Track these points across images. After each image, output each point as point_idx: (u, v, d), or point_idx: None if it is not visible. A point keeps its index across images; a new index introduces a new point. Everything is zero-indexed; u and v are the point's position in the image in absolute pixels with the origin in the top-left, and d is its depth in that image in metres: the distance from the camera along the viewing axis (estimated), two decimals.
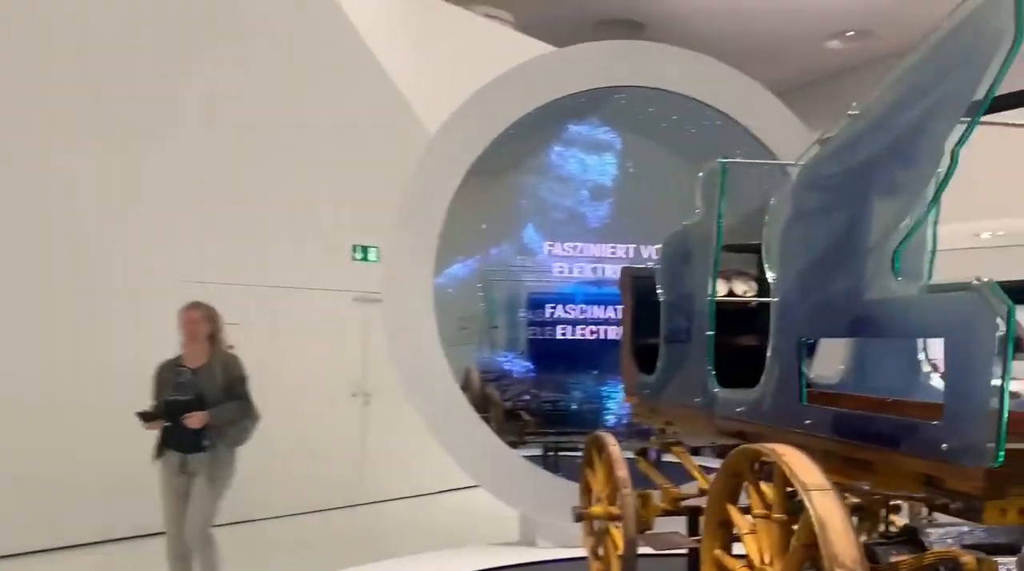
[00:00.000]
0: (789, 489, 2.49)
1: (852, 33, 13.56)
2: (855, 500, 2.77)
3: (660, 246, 4.23)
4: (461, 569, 5.63)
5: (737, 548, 2.90)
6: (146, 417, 4.75)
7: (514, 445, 6.18)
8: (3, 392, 6.10)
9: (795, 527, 2.58)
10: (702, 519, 3.84)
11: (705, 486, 3.96)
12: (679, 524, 4.22)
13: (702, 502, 4.27)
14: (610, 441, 4.25)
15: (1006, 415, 2.03)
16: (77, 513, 6.37)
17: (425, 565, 5.90)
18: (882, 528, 2.96)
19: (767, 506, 2.70)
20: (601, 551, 4.40)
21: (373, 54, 8.02)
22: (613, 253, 6.31)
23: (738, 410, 3.35)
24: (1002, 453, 2.04)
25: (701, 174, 3.82)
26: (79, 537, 6.52)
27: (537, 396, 6.50)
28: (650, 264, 6.21)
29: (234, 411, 4.89)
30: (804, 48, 13.81)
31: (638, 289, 4.58)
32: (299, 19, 7.91)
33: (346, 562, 5.85)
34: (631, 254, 6.32)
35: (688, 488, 4.30)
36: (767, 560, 2.57)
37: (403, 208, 5.89)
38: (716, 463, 4.01)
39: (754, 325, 4.33)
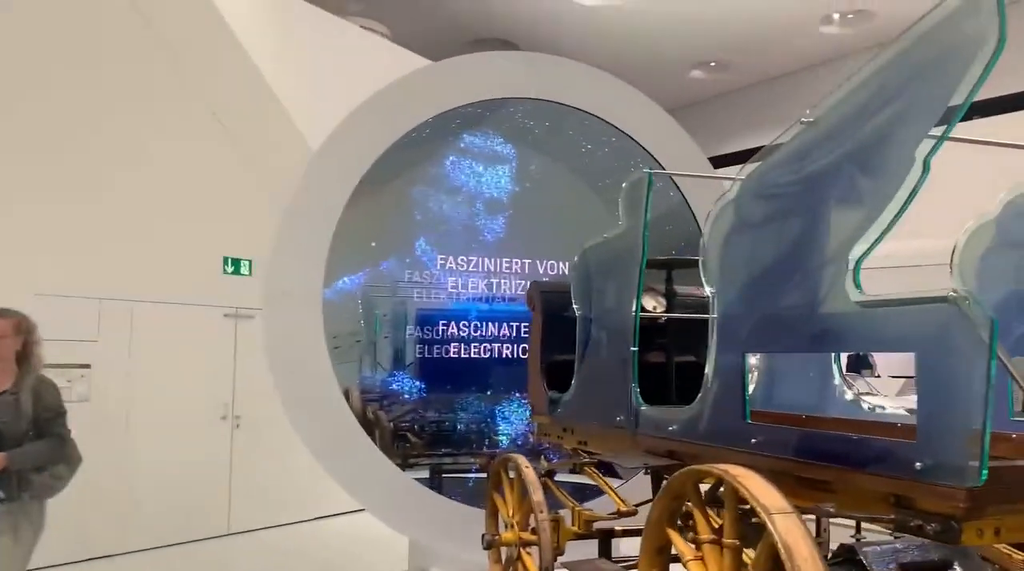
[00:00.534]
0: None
1: (714, 63, 14.14)
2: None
3: (575, 259, 4.08)
4: None
5: None
6: None
7: (402, 468, 5.87)
8: None
9: (747, 553, 2.47)
10: (625, 542, 3.75)
11: (624, 508, 3.82)
12: (592, 548, 4.08)
13: (616, 525, 4.15)
14: (523, 463, 4.04)
15: (989, 433, 1.97)
16: None
17: None
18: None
19: (715, 531, 2.57)
20: None
21: (249, 59, 7.57)
22: (508, 268, 6.13)
23: (670, 429, 3.22)
24: (985, 471, 1.97)
25: (625, 185, 3.70)
26: None
27: (426, 416, 6.21)
28: (555, 277, 6.10)
29: (43, 453, 3.97)
30: (670, 75, 14.27)
31: (549, 304, 4.42)
32: (173, 20, 7.38)
33: None
34: (526, 269, 6.17)
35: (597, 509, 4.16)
36: None
37: (289, 218, 5.50)
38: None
39: (658, 342, 4.27)
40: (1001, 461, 2.09)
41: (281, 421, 5.51)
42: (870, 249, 2.32)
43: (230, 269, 7.48)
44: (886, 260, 2.96)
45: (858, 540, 3.30)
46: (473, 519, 5.07)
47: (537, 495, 3.84)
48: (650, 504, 2.85)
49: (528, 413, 5.26)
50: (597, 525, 4.06)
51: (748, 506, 2.26)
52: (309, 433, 5.53)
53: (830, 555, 2.82)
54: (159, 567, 6.74)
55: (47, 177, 6.58)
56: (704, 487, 2.64)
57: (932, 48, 2.16)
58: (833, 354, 3.70)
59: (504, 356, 6.12)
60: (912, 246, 6.16)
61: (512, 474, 4.17)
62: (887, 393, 7.86)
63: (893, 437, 3.04)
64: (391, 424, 6.32)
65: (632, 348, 3.52)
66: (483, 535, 4.24)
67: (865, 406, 3.67)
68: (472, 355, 6.08)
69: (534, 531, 3.88)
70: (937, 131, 2.13)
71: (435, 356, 6.11)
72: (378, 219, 6.03)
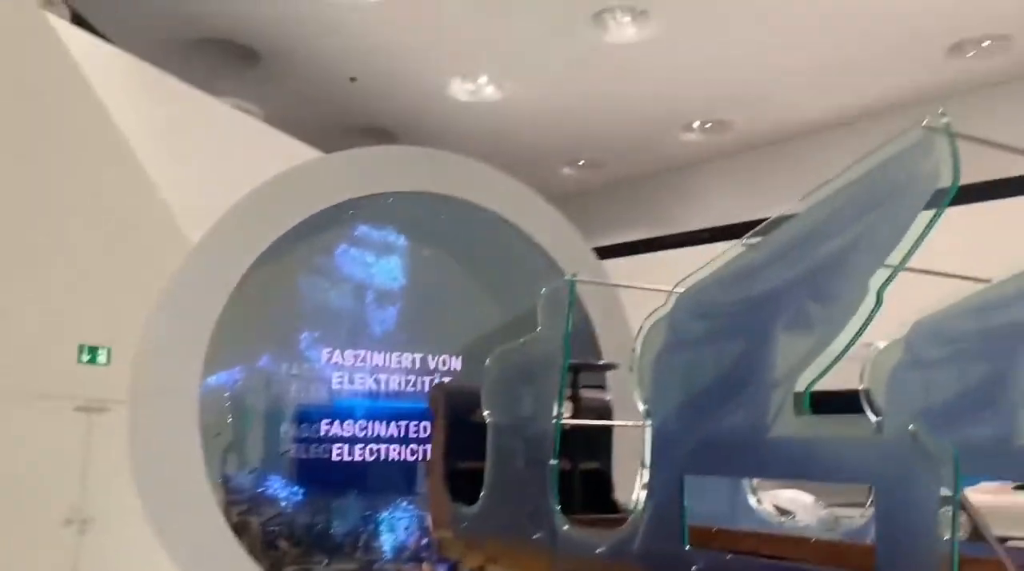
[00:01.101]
0: None
1: (583, 162, 14.69)
2: None
3: (487, 362, 3.95)
4: None
5: None
6: None
7: None
8: None
9: None
10: None
11: None
12: None
13: None
14: None
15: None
16: None
17: None
18: None
19: None
20: None
21: (120, 137, 7.16)
22: (398, 363, 5.92)
23: (598, 551, 3.09)
24: None
25: (545, 290, 3.65)
26: None
27: (302, 521, 5.80)
28: (446, 378, 5.92)
29: None
30: (540, 172, 14.67)
31: (454, 407, 4.24)
32: (40, 92, 6.90)
33: None
34: (417, 364, 5.98)
35: None
36: None
37: (165, 311, 5.11)
38: None
39: (562, 449, 4.17)
40: None
41: (138, 525, 4.99)
42: (820, 376, 2.34)
43: (86, 358, 6.83)
44: None
45: None
46: None
47: None
48: None
49: (419, 523, 5.00)
50: None
51: None
52: (173, 538, 5.04)
53: None
54: None
55: None
56: None
57: (887, 181, 2.23)
58: None
59: (390, 458, 5.85)
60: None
61: None
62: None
63: (812, 555, 3.05)
64: (262, 529, 5.87)
65: (552, 460, 3.40)
66: None
67: (775, 520, 3.68)
68: (356, 456, 5.77)
69: None
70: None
71: (314, 456, 5.76)
72: (261, 310, 5.72)
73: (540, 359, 3.56)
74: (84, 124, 7.06)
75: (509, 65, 11.15)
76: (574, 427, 4.22)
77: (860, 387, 3.18)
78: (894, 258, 2.23)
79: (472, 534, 3.96)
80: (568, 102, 12.03)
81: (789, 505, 7.44)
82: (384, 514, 5.87)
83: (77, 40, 7.16)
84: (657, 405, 2.86)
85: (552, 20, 9.71)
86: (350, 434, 5.76)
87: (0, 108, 6.68)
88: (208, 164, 6.64)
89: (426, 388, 5.82)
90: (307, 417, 5.74)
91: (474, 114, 12.49)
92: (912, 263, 2.21)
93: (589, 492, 4.18)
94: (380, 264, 6.15)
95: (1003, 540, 2.85)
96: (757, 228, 2.63)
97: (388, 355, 5.91)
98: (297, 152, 7.83)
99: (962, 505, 2.27)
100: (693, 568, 2.64)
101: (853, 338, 2.26)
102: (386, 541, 5.87)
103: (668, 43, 10.03)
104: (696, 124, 12.83)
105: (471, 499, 3.96)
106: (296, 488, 5.76)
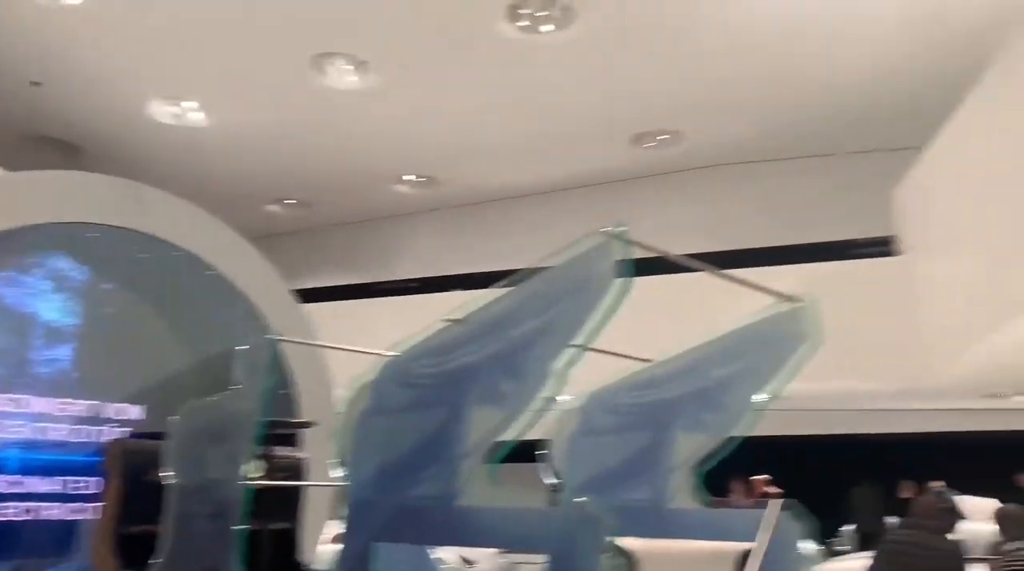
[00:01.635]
0: None
1: (294, 201, 14.41)
2: None
3: (177, 417, 3.71)
4: None
5: None
6: None
7: None
8: None
9: None
10: None
11: None
12: None
13: None
14: None
15: None
16: None
17: None
18: None
19: None
20: None
21: None
22: (67, 410, 5.31)
23: None
24: None
25: (242, 348, 3.52)
26: None
27: None
28: (124, 429, 5.39)
29: None
30: (246, 207, 14.12)
31: (132, 466, 3.91)
32: None
33: None
34: (89, 412, 5.40)
35: None
36: None
37: None
38: None
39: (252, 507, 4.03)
40: None
41: None
42: (508, 447, 2.51)
43: None
44: None
45: None
46: None
47: None
48: None
49: None
50: None
51: None
52: None
53: None
54: None
55: None
56: None
57: (570, 277, 2.48)
58: None
59: (50, 517, 5.20)
60: None
61: None
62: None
63: None
64: None
65: (238, 523, 3.27)
66: None
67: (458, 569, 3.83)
68: (7, 516, 5.06)
69: None
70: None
71: None
72: None
73: (234, 416, 3.43)
74: None
75: (219, 93, 10.69)
76: (264, 486, 4.10)
77: (540, 452, 3.45)
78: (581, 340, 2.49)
79: None
80: (281, 138, 11.77)
81: (472, 554, 7.74)
82: None
83: None
84: (355, 469, 2.89)
85: (272, 55, 9.52)
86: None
87: None
88: None
89: (98, 439, 5.28)
90: None
91: (177, 138, 11.76)
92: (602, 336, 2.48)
93: (276, 552, 4.06)
94: (52, 297, 5.53)
95: None
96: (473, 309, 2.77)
97: (54, 401, 5.29)
98: None
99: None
100: None
101: (538, 413, 2.46)
102: None
103: (386, 96, 10.24)
104: (408, 177, 13.17)
105: (142, 565, 3.67)
106: None
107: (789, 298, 2.98)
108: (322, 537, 4.81)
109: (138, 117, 11.16)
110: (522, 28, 8.68)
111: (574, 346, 2.46)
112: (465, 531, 2.58)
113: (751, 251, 10.06)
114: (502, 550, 7.93)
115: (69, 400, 5.38)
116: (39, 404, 5.28)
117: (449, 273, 12.53)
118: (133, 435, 5.10)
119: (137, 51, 9.64)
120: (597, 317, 2.37)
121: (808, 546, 3.16)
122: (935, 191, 8.17)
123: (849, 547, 10.94)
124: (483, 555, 7.56)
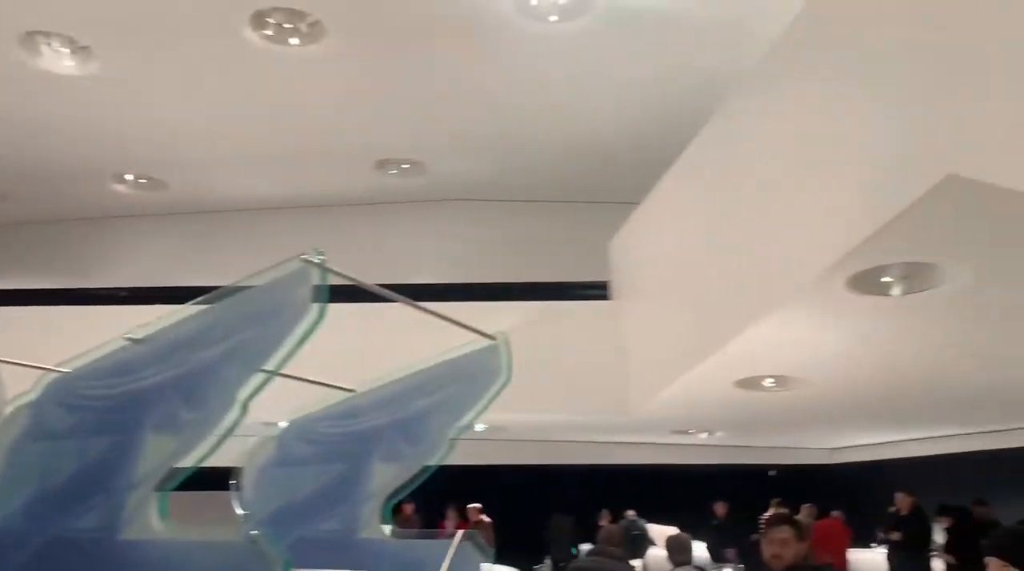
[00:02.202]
0: None
1: None
2: None
3: None
4: None
5: None
6: None
7: None
8: None
9: None
10: None
11: None
12: None
13: None
14: None
15: None
16: None
17: None
18: None
19: None
20: None
21: None
22: None
23: None
24: None
25: None
26: None
27: None
28: None
29: None
30: None
31: None
32: None
33: None
34: None
35: None
36: None
37: None
38: None
39: None
40: None
41: None
42: (181, 480, 2.36)
43: None
44: None
45: None
46: None
47: None
48: None
49: None
50: None
51: None
52: None
53: None
54: None
55: None
56: None
57: (264, 302, 2.40)
58: None
59: None
60: None
61: None
62: None
63: None
64: None
65: None
66: None
67: None
68: None
69: None
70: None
71: None
72: None
73: None
74: None
75: None
76: None
77: (231, 482, 3.28)
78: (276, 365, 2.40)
79: None
80: None
81: None
82: None
83: None
84: (3, 497, 2.57)
85: None
86: None
87: None
88: None
89: None
90: None
91: None
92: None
93: None
94: None
95: None
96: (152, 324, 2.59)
97: None
98: None
99: None
100: None
101: (216, 444, 2.34)
102: None
103: (108, 87, 9.42)
104: (130, 177, 12.20)
105: None
106: None
107: (486, 336, 3.10)
108: None
109: None
110: (267, 38, 8.41)
111: (265, 372, 2.37)
112: (126, 566, 2.37)
113: (480, 285, 10.40)
114: None
115: None
116: None
117: (168, 285, 11.69)
118: None
119: None
120: (290, 343, 2.31)
121: None
122: (641, 243, 8.96)
123: None
124: None
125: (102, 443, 2.45)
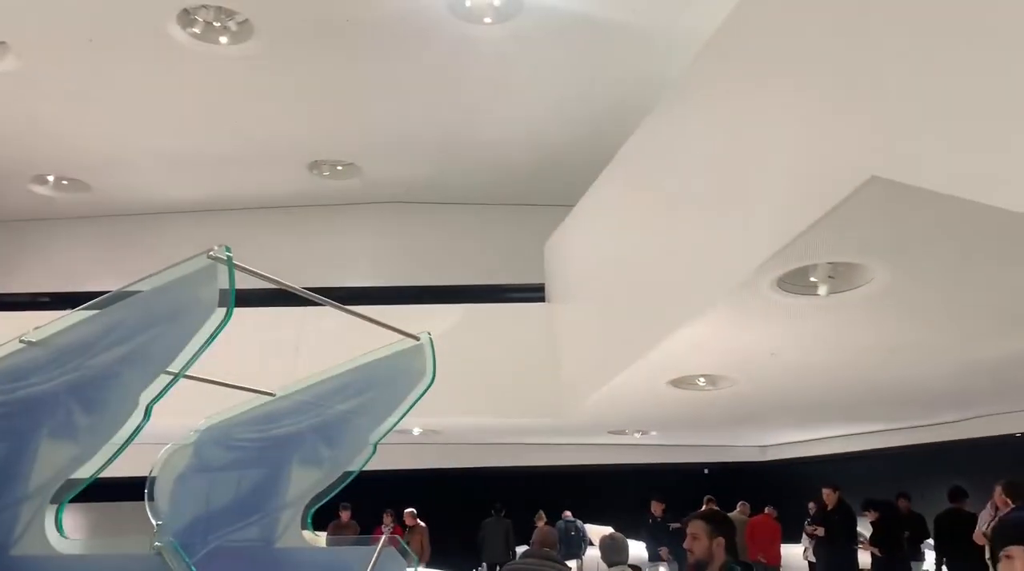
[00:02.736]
0: None
1: None
2: None
3: None
4: None
5: None
6: None
7: None
8: None
9: None
10: None
11: None
12: None
13: None
14: None
15: None
16: None
17: None
18: None
19: None
20: None
21: None
22: None
23: None
24: None
25: None
26: None
27: None
28: None
29: None
30: None
31: None
32: None
33: None
34: None
35: None
36: None
37: None
38: None
39: None
40: None
41: None
42: (76, 491, 2.23)
43: None
44: None
45: None
46: None
47: None
48: None
49: None
50: None
51: None
52: None
53: None
54: None
55: None
56: None
57: (170, 302, 2.29)
58: None
59: None
60: None
61: None
62: None
63: None
64: None
65: None
66: None
67: None
68: None
69: None
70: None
71: None
72: None
73: None
74: None
75: None
76: None
77: (146, 491, 3.15)
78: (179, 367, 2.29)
79: None
80: None
81: None
82: None
83: None
84: None
85: None
86: None
87: None
88: None
89: None
90: None
91: None
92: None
93: None
94: None
95: None
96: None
97: None
98: None
99: None
100: None
101: (118, 450, 2.23)
102: None
103: (27, 85, 9.05)
104: (51, 178, 11.75)
105: None
106: None
107: (410, 336, 3.03)
108: None
109: None
110: (195, 35, 8.17)
111: (169, 374, 2.26)
112: None
113: (414, 288, 10.30)
114: None
115: None
116: None
117: (93, 289, 11.27)
118: None
119: None
120: (196, 344, 2.20)
121: None
122: (574, 246, 8.98)
123: None
124: None
125: None
